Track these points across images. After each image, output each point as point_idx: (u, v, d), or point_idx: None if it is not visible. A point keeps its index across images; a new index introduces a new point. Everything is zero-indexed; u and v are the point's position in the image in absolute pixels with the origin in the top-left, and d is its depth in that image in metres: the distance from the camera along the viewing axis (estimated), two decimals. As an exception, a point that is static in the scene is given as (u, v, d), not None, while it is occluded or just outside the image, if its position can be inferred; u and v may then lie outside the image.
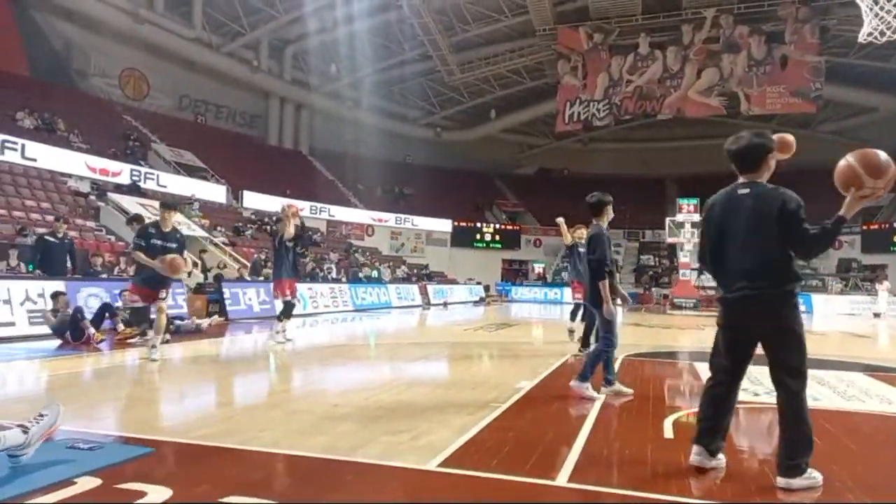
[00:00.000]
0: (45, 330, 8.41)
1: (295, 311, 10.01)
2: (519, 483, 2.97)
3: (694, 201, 26.12)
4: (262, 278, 16.34)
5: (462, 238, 35.01)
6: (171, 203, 7.93)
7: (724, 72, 30.01)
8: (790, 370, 2.99)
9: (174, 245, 7.33)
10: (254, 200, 26.65)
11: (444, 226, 34.89)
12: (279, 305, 9.64)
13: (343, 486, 2.92)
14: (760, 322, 3.04)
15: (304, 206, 28.94)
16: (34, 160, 18.10)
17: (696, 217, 25.74)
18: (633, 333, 12.90)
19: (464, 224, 35.37)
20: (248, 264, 17.77)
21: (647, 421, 4.44)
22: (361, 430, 3.98)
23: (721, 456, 3.26)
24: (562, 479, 3.03)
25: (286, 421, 4.19)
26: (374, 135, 35.87)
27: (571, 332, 9.26)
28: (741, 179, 3.21)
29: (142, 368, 6.64)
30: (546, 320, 16.88)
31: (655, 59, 31.06)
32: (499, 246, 35.63)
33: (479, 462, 3.28)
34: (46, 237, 10.47)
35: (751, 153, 3.16)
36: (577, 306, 9.18)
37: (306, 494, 2.70)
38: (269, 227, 23.19)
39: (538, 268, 34.63)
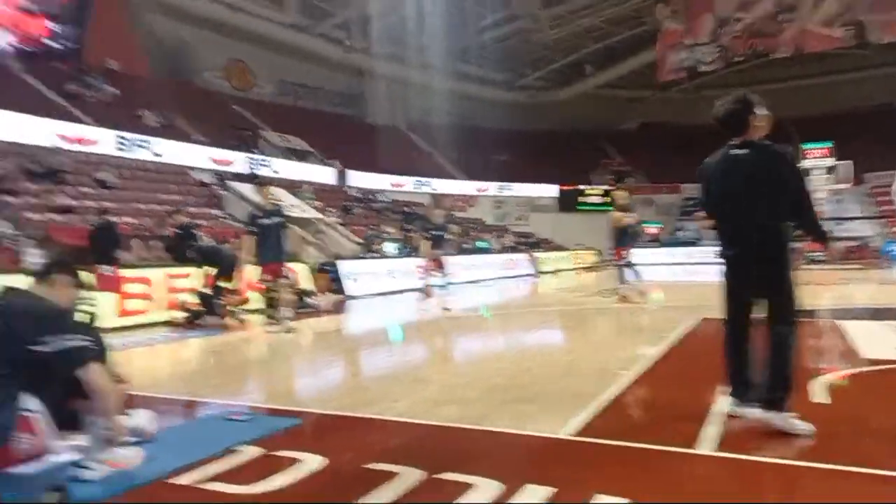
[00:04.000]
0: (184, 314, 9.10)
1: (406, 286, 10.40)
2: (659, 452, 2.90)
3: (824, 145, 23.81)
4: (375, 255, 16.92)
5: (568, 203, 34.22)
6: (262, 181, 8.45)
7: (847, -2, 26.94)
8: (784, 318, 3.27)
9: (279, 219, 7.87)
10: (358, 179, 27.47)
11: (548, 191, 34.27)
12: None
13: (480, 453, 2.99)
14: (759, 277, 3.30)
15: (406, 182, 29.55)
16: (161, 155, 19.64)
17: (828, 161, 23.53)
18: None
19: (570, 187, 34.46)
20: (361, 241, 18.46)
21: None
22: (489, 398, 4.05)
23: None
24: (704, 448, 2.93)
25: (415, 391, 4.34)
26: (469, 103, 35.67)
27: None
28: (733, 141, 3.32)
29: (276, 343, 7.12)
30: (665, 284, 16.17)
31: (767, -8, 28.41)
32: (608, 209, 34.47)
33: (616, 430, 3.24)
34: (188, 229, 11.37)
35: (730, 119, 3.30)
36: None
37: (446, 461, 2.79)
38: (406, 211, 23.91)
39: (652, 228, 33.18)
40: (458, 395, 4.14)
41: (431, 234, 9.93)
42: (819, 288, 12.60)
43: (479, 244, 23.87)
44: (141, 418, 3.22)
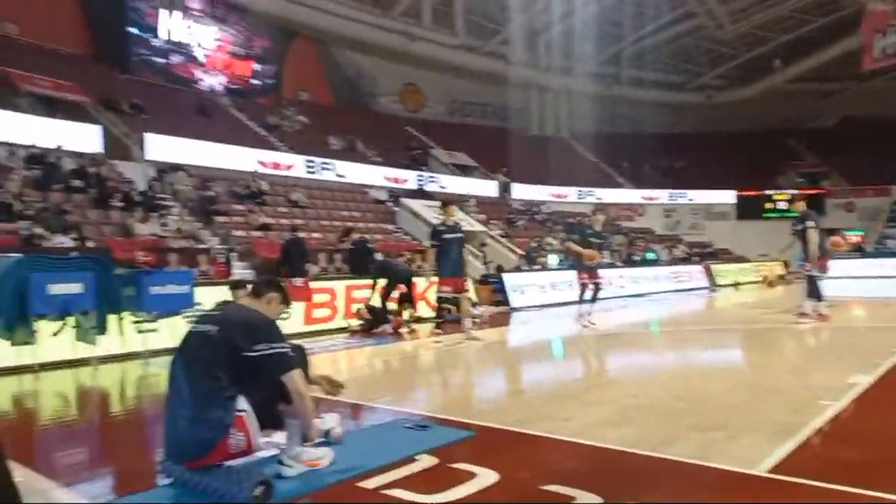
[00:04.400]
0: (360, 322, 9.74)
1: (568, 298, 10.09)
2: (874, 499, 2.51)
3: None
4: (537, 267, 16.86)
5: (749, 209, 31.30)
6: (446, 200, 8.78)
7: None
8: None
9: (460, 235, 8.20)
10: (522, 191, 27.60)
11: (725, 197, 31.67)
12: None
13: (661, 484, 2.81)
14: None
15: (568, 192, 29.12)
16: (344, 176, 21.39)
17: None
18: None
19: (750, 193, 31.56)
20: (523, 253, 18.50)
21: None
22: (666, 423, 3.80)
23: None
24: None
25: (587, 410, 4.21)
26: (636, 109, 34.31)
27: None
28: None
29: (447, 355, 7.35)
30: (874, 300, 14.11)
31: None
32: (796, 214, 31.01)
33: (819, 470, 2.87)
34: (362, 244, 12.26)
35: None
36: None
37: (624, 489, 2.67)
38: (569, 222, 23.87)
39: (853, 236, 29.20)
40: (634, 418, 3.94)
41: (590, 242, 9.39)
42: None
43: (648, 255, 22.71)
44: (331, 421, 3.50)
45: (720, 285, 20.68)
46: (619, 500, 2.52)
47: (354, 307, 9.83)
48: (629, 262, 20.91)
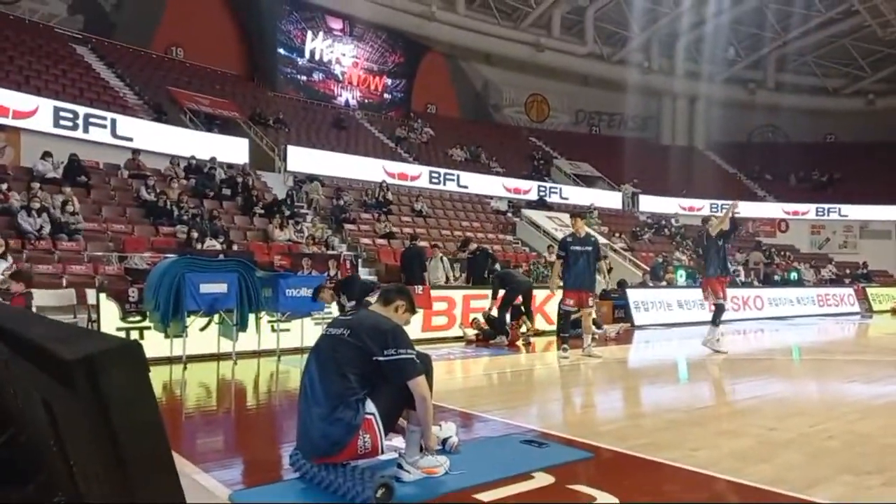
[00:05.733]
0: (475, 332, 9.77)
1: (696, 318, 9.39)
2: None
3: None
4: (664, 283, 16.06)
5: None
6: (576, 212, 8.58)
7: None
8: None
9: (590, 248, 7.98)
10: (650, 204, 26.48)
11: (885, 213, 28.38)
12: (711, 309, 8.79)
13: (805, 530, 2.55)
14: None
15: (702, 205, 27.46)
16: (466, 187, 21.71)
17: None
18: None
19: (915, 210, 28.10)
20: (648, 269, 17.68)
21: None
22: (812, 463, 3.44)
23: None
24: None
25: (718, 441, 3.92)
26: (781, 116, 31.80)
27: None
28: None
29: (565, 370, 7.19)
30: None
31: None
32: (973, 234, 27.22)
33: None
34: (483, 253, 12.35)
35: None
36: None
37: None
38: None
39: None
40: (774, 453, 3.61)
41: (706, 245, 8.63)
42: None
43: (790, 275, 20.83)
44: (449, 430, 3.54)
45: (876, 311, 18.52)
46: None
47: (474, 317, 9.91)
48: (768, 282, 19.31)
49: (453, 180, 21.49)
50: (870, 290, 19.70)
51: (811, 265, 23.59)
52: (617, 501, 2.74)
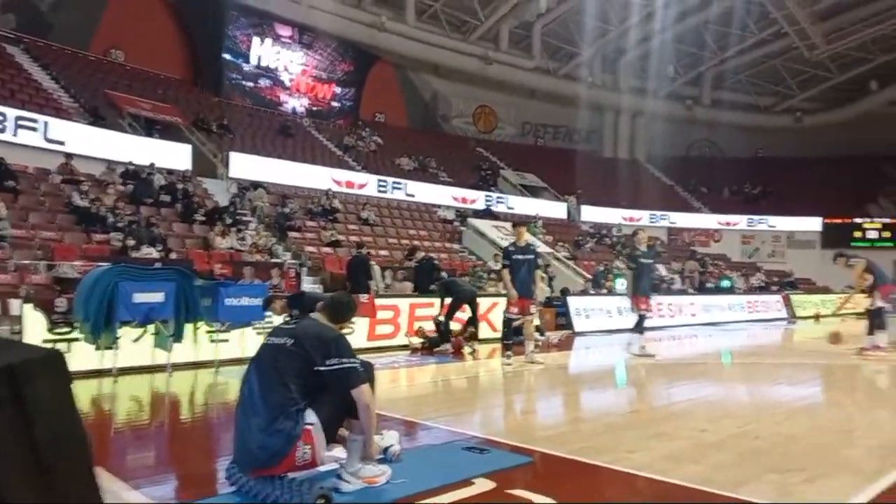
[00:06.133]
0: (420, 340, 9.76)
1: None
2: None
3: None
4: (604, 291, 16.50)
5: (835, 238, 29.51)
6: (518, 221, 8.74)
7: None
8: None
9: (531, 256, 8.15)
10: (592, 214, 27.16)
11: (809, 224, 30.03)
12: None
13: (730, 526, 2.67)
14: None
15: (641, 215, 28.39)
16: (413, 196, 21.74)
17: None
18: None
19: (837, 221, 29.85)
20: (591, 277, 18.12)
21: None
22: (740, 463, 3.61)
23: None
24: None
25: (652, 443, 4.06)
26: (717, 132, 33.29)
27: None
28: None
29: (508, 377, 7.28)
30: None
31: None
32: (889, 244, 29.02)
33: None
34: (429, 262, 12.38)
35: None
36: None
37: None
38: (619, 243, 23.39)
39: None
40: (705, 455, 3.77)
41: (638, 262, 9.02)
42: None
43: (722, 283, 21.76)
44: (391, 439, 3.53)
45: (800, 317, 19.54)
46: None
47: (419, 325, 9.92)
48: (702, 290, 20.11)
49: (401, 189, 21.49)
50: (794, 298, 20.77)
51: (742, 273, 24.67)
52: (554, 504, 2.81)
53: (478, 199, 23.49)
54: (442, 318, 9.56)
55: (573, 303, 13.89)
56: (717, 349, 11.11)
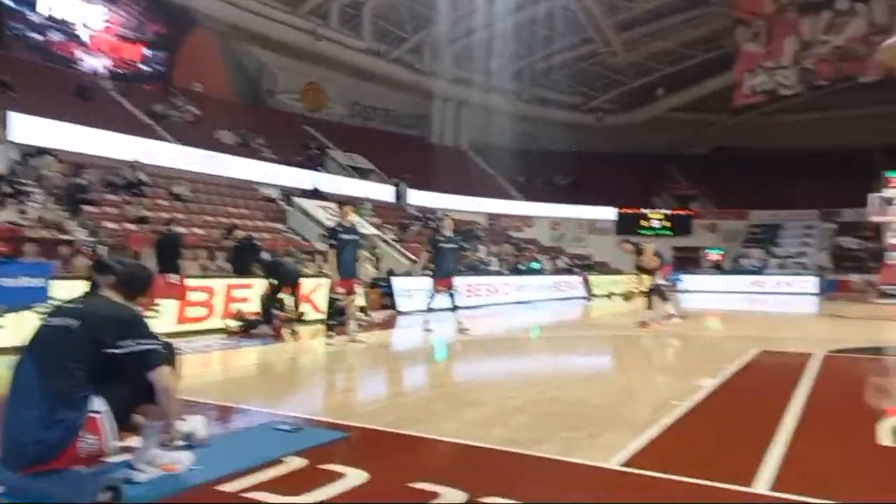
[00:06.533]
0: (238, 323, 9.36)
1: (458, 304, 10.27)
2: (711, 488, 2.76)
3: (909, 173, 22.40)
4: (428, 272, 17.03)
5: (627, 226, 33.50)
6: (344, 201, 8.72)
7: (946, 19, 25.44)
8: None
9: (356, 237, 8.18)
10: (418, 198, 27.80)
11: (608, 214, 33.71)
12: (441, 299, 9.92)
13: (527, 479, 2.93)
14: None
15: (464, 201, 29.73)
16: (234, 172, 20.49)
17: (911, 192, 22.19)
18: (832, 326, 11.48)
19: (629, 211, 33.90)
20: (417, 259, 18.61)
21: (858, 425, 3.91)
22: (538, 424, 3.97)
23: None
24: (760, 486, 2.77)
25: (463, 412, 4.30)
26: (532, 125, 35.71)
27: None
28: None
29: (330, 357, 7.24)
30: (726, 312, 15.59)
31: (857, 14, 27.13)
32: (669, 233, 33.63)
33: (666, 463, 3.11)
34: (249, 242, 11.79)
35: None
36: None
37: (491, 484, 2.75)
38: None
39: (714, 255, 32.12)
40: (509, 419, 4.07)
41: (438, 246, 9.68)
42: (892, 324, 11.82)
43: (533, 265, 23.65)
44: (195, 424, 3.33)
45: (596, 295, 21.91)
46: (483, 496, 2.59)
47: (237, 307, 9.44)
48: (515, 271, 21.65)
49: (220, 164, 20.15)
50: (592, 278, 23.21)
51: (550, 257, 26.98)
52: (367, 476, 2.86)
53: (304, 178, 22.86)
54: (265, 301, 9.21)
55: (398, 283, 14.15)
56: (527, 325, 12.05)
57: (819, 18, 27.87)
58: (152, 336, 2.77)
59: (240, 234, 11.90)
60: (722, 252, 32.25)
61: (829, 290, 25.77)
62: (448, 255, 9.70)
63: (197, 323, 9.04)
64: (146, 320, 2.87)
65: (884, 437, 3.61)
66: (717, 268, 30.91)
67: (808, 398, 4.66)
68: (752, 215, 34.42)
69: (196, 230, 14.68)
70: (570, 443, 3.50)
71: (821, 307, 17.43)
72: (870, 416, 4.16)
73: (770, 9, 28.40)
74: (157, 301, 8.14)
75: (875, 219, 23.79)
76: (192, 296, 9.05)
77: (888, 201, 22.69)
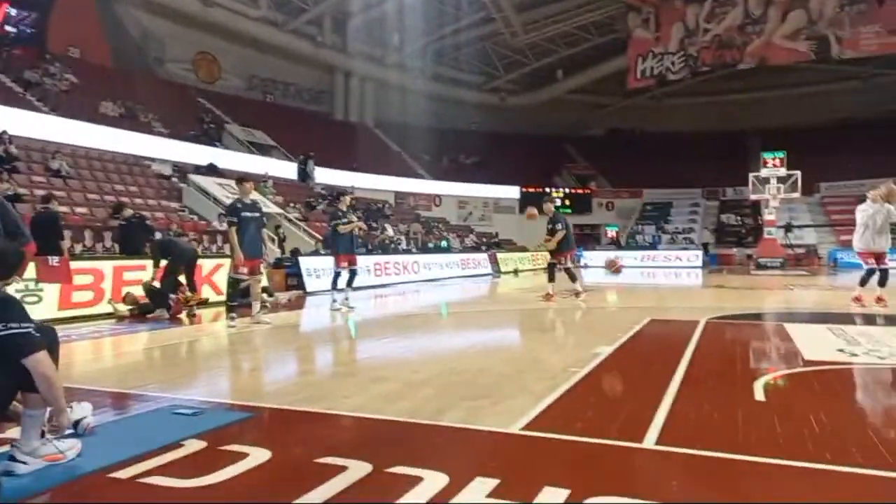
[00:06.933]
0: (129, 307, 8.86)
1: (366, 283, 10.36)
2: (605, 446, 2.95)
3: (780, 155, 24.57)
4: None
5: (530, 204, 34.43)
6: (243, 176, 8.33)
7: (812, 13, 27.90)
8: None
9: (258, 214, 7.92)
10: (323, 175, 27.22)
11: (511, 192, 34.56)
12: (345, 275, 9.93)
13: (431, 447, 2.99)
14: None
15: (371, 179, 29.45)
16: (120, 147, 19.13)
17: (783, 172, 24.36)
18: (716, 296, 12.46)
19: (532, 190, 34.92)
20: (321, 238, 18.27)
21: (736, 384, 4.30)
22: (442, 395, 4.05)
23: None
24: (649, 442, 2.99)
25: (369, 387, 4.31)
26: (438, 103, 35.81)
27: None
28: None
29: (233, 339, 7.00)
30: (622, 286, 16.54)
31: (736, 5, 29.19)
32: (569, 211, 35.02)
33: (563, 425, 3.27)
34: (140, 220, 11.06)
35: None
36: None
37: (397, 455, 2.79)
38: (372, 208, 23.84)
39: (611, 232, 33.88)
40: (414, 392, 4.13)
41: (333, 224, 9.81)
42: (767, 292, 13.03)
43: (442, 243, 23.93)
44: (83, 411, 3.13)
45: (503, 272, 22.53)
46: (388, 466, 2.62)
47: (127, 290, 8.89)
48: (424, 249, 21.81)
49: (104, 137, 18.72)
50: (499, 255, 23.83)
51: (457, 235, 27.39)
52: (270, 454, 2.81)
53: (200, 153, 21.72)
54: (157, 284, 8.73)
55: (304, 263, 13.85)
56: (436, 302, 12.19)
57: (702, 7, 29.75)
58: (24, 319, 2.56)
59: (128, 212, 11.13)
60: (617, 229, 34.08)
61: (713, 264, 27.93)
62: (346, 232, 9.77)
63: (84, 308, 8.45)
64: (19, 302, 2.65)
65: (758, 393, 3.99)
66: (615, 244, 32.67)
67: (693, 361, 5.06)
68: (645, 194, 36.50)
69: (78, 209, 13.64)
70: (473, 411, 3.60)
71: (706, 279, 18.86)
72: (747, 375, 4.57)
73: (659, -4, 29.97)
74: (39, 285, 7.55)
75: (753, 197, 25.95)
76: (78, 279, 8.42)
77: (764, 181, 24.80)
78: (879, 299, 8.67)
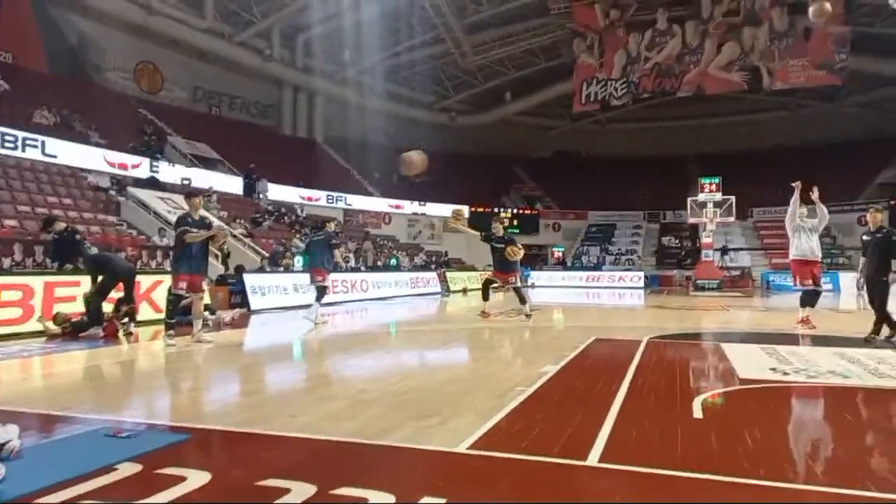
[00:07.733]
0: (61, 325, 8.47)
1: (320, 299, 10.43)
2: (550, 464, 2.99)
3: (716, 180, 25.68)
4: (281, 269, 16.50)
5: (479, 224, 34.84)
6: (191, 191, 8.23)
7: (745, 46, 29.46)
8: None
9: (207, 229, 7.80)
10: (271, 191, 26.76)
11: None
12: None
13: (377, 467, 2.96)
14: None
15: (319, 196, 29.16)
16: (54, 157, 18.35)
17: (718, 196, 25.44)
18: (656, 316, 12.84)
19: (481, 210, 35.26)
20: (268, 255, 17.91)
21: (676, 402, 4.43)
22: (389, 414, 4.02)
23: None
24: (592, 460, 3.05)
25: (316, 407, 4.24)
26: (388, 121, 35.87)
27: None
28: None
29: (172, 358, 6.76)
30: (568, 305, 16.84)
31: (674, 35, 30.56)
32: (517, 231, 35.51)
33: (509, 444, 3.30)
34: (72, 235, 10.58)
35: None
36: None
37: (342, 476, 2.74)
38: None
39: (557, 252, 34.51)
40: (361, 411, 4.08)
41: (307, 240, 10.25)
42: (705, 313, 13.52)
43: (391, 262, 23.84)
44: (8, 433, 2.96)
45: (452, 290, 22.60)
46: (333, 487, 2.58)
47: (59, 308, 8.47)
48: (374, 268, 21.67)
49: (36, 147, 17.91)
50: (448, 274, 23.91)
51: (407, 253, 27.34)
52: (209, 477, 2.72)
53: (140, 165, 21.05)
54: (94, 300, 8.36)
55: (249, 280, 13.54)
56: (385, 321, 12.11)
57: (643, 36, 31.03)
58: None
59: (60, 225, 10.63)
60: (563, 250, 34.76)
61: (654, 285, 28.81)
62: (314, 246, 10.50)
63: (11, 326, 8.00)
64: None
65: (697, 411, 4.13)
66: (561, 264, 33.29)
67: (635, 379, 5.20)
68: (590, 216, 37.44)
69: (7, 221, 12.96)
70: (421, 430, 3.59)
71: (647, 299, 19.41)
72: (686, 393, 4.72)
73: (603, 23, 31.07)
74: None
75: (692, 220, 26.98)
76: (5, 295, 7.98)
77: (701, 205, 25.84)
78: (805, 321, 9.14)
